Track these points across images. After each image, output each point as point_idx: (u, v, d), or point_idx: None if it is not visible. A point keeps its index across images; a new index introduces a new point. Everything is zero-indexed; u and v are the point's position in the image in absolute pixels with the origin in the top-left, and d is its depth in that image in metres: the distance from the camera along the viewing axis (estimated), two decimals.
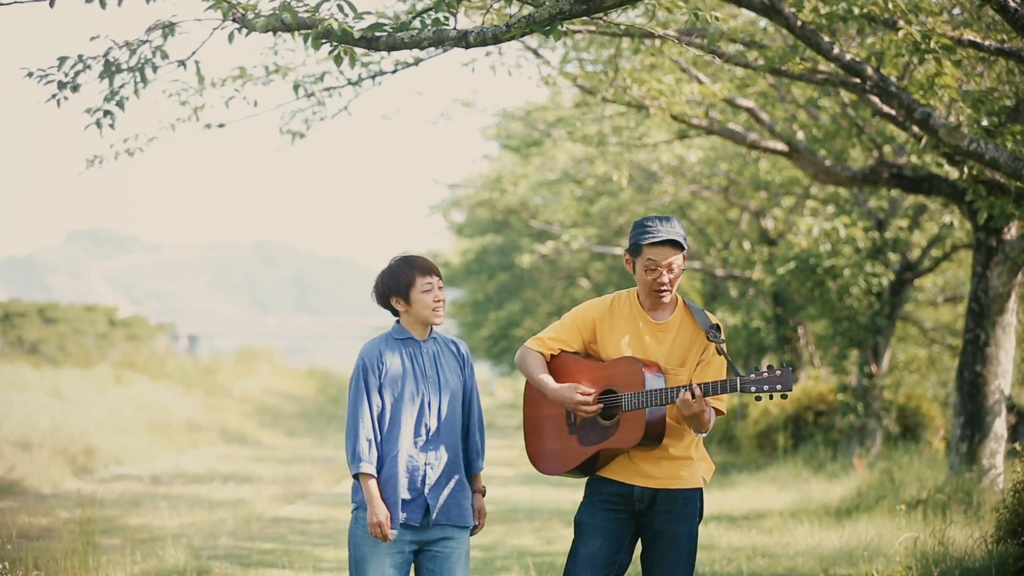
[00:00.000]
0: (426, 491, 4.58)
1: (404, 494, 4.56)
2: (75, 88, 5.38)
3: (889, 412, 15.47)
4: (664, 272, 4.57)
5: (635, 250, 4.60)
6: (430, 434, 4.61)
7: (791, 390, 4.41)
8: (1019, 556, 6.90)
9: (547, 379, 4.70)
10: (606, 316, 4.71)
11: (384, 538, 4.51)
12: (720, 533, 10.30)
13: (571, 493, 13.65)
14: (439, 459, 4.61)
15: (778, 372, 4.40)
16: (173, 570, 7.88)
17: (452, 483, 4.63)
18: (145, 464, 16.00)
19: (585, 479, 4.78)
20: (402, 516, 4.56)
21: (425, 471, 4.59)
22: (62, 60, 5.33)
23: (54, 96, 5.39)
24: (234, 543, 9.65)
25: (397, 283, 4.65)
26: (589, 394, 4.59)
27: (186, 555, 8.39)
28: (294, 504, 12.55)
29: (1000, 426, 10.07)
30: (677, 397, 4.43)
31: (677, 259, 4.57)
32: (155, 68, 5.33)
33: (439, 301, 4.65)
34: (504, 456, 19.07)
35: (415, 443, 4.60)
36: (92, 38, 5.35)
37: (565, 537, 10.01)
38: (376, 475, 4.57)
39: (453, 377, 4.68)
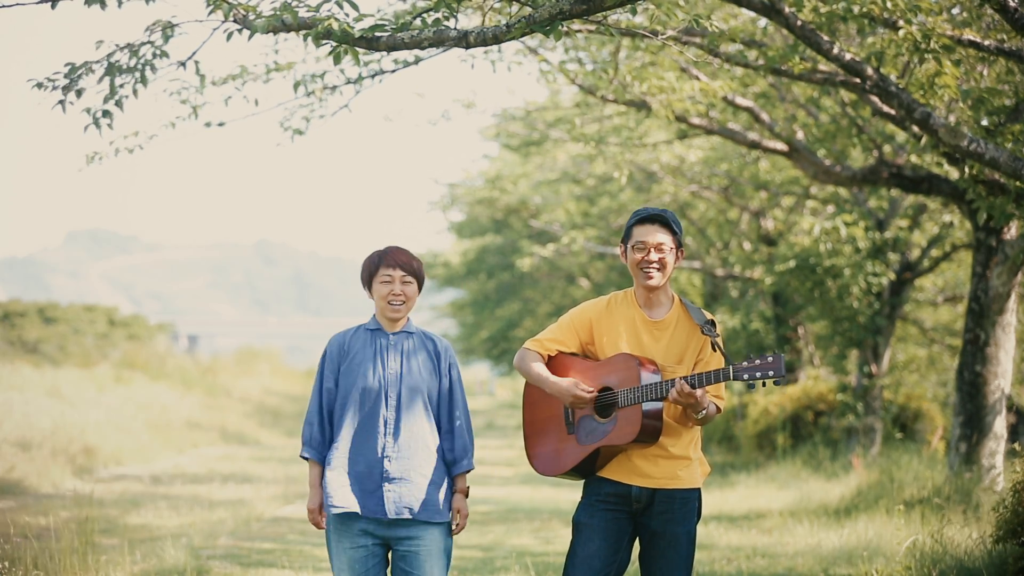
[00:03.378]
0: (384, 484, 4.57)
1: (363, 484, 4.57)
2: (79, 92, 5.39)
3: (889, 412, 15.47)
4: (652, 251, 4.58)
5: (627, 235, 4.64)
6: (387, 426, 4.60)
7: (784, 375, 4.39)
8: (1019, 556, 6.90)
9: (546, 373, 4.70)
10: (603, 316, 4.71)
11: (316, 526, 4.64)
12: (720, 533, 10.31)
13: (571, 493, 13.65)
14: (399, 453, 4.59)
15: (769, 358, 4.39)
16: (173, 570, 7.88)
17: (418, 478, 4.59)
18: (145, 464, 16.00)
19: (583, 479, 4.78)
20: (358, 507, 4.55)
21: (383, 463, 4.58)
22: (72, 68, 5.33)
23: (60, 102, 5.41)
24: (234, 543, 9.65)
25: (364, 271, 4.71)
26: (590, 390, 4.60)
27: (186, 555, 8.39)
28: (294, 504, 12.55)
29: (1000, 426, 10.07)
30: (671, 389, 4.44)
31: (666, 239, 4.59)
32: (155, 69, 5.34)
33: (396, 295, 4.63)
34: (504, 456, 19.06)
35: (374, 435, 4.59)
36: (98, 43, 5.36)
37: (564, 537, 10.02)
38: (320, 462, 4.63)
39: (420, 372, 4.66)
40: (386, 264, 4.64)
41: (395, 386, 4.62)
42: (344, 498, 4.57)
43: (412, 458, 4.60)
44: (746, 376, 4.40)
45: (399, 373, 4.63)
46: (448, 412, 4.71)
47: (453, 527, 4.70)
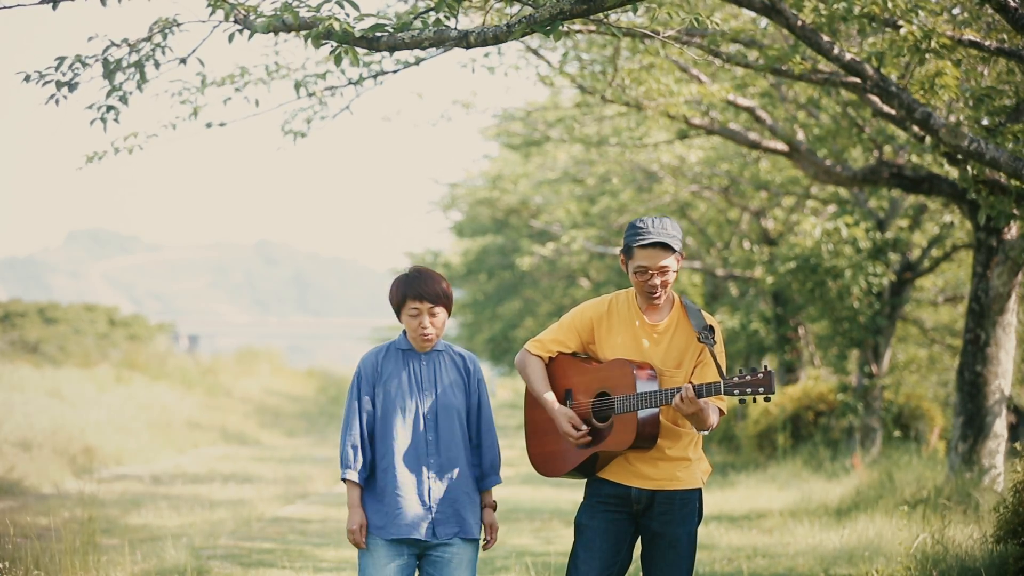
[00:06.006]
0: (432, 504, 4.56)
1: (411, 507, 4.54)
2: (72, 87, 5.38)
3: (889, 412, 15.47)
4: (655, 275, 4.55)
5: (627, 252, 4.59)
6: (429, 447, 4.59)
7: (773, 393, 4.37)
8: (1019, 556, 6.90)
9: (547, 396, 4.71)
10: (604, 317, 4.70)
11: (356, 545, 4.56)
12: (720, 533, 10.31)
13: (571, 493, 13.65)
14: (441, 472, 4.59)
15: (760, 375, 4.37)
16: (173, 570, 7.88)
17: (457, 496, 4.60)
18: (145, 464, 16.00)
19: (585, 479, 4.78)
20: (404, 533, 4.54)
21: (429, 484, 4.57)
22: (60, 60, 5.34)
23: (52, 96, 5.40)
24: (234, 543, 9.65)
25: (392, 300, 4.66)
26: (581, 428, 4.60)
27: (186, 555, 8.39)
28: (294, 504, 12.55)
29: (1000, 426, 10.07)
30: (669, 400, 4.43)
31: (668, 261, 4.54)
32: (157, 64, 5.34)
33: (426, 328, 4.57)
34: (504, 456, 18.92)
35: (418, 456, 4.58)
36: (90, 38, 5.36)
37: (565, 537, 10.02)
38: (359, 483, 4.58)
39: (454, 391, 4.64)
40: (413, 296, 4.57)
41: (432, 407, 4.60)
42: (390, 524, 4.54)
43: (452, 477, 4.60)
44: (737, 392, 4.38)
45: (435, 393, 4.62)
46: (477, 427, 4.70)
47: (483, 542, 4.69)
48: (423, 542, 4.58)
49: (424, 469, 4.57)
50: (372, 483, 4.62)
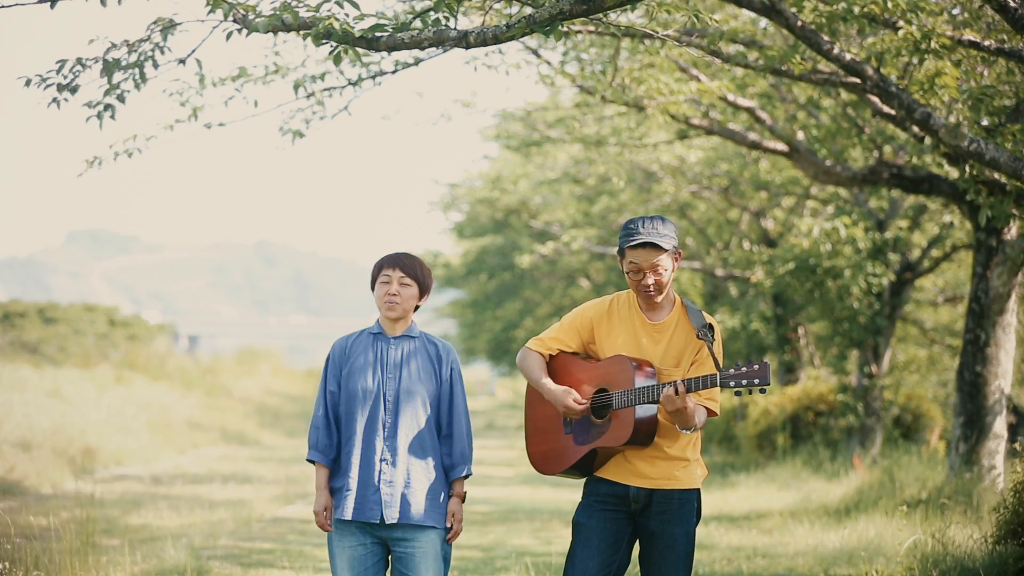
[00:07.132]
0: (381, 486, 4.59)
1: (361, 488, 4.59)
2: (74, 90, 5.39)
3: (889, 412, 15.47)
4: (648, 274, 4.54)
5: (621, 252, 4.60)
6: (387, 429, 4.61)
7: (769, 384, 4.37)
8: (1019, 556, 6.91)
9: (545, 381, 4.71)
10: (604, 317, 4.71)
11: (321, 528, 4.66)
12: (720, 533, 10.31)
13: (571, 493, 13.65)
14: (397, 455, 4.60)
15: (756, 367, 4.36)
16: (173, 570, 7.88)
17: (414, 482, 4.60)
18: (145, 464, 16.00)
19: (583, 479, 4.78)
20: (359, 514, 4.58)
21: (381, 467, 4.60)
22: (61, 64, 5.34)
23: (54, 100, 5.40)
24: (234, 543, 9.65)
25: (372, 275, 4.76)
26: (582, 401, 4.60)
27: (186, 555, 8.39)
28: (294, 504, 12.55)
29: (1000, 426, 10.07)
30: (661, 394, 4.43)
31: (662, 260, 4.53)
32: (156, 64, 5.34)
33: (392, 295, 4.65)
34: (504, 456, 19.05)
35: (372, 437, 4.61)
36: (90, 41, 5.37)
37: (564, 537, 10.02)
38: (326, 464, 4.68)
39: (420, 376, 4.67)
40: (387, 265, 4.68)
41: (392, 389, 4.63)
42: (344, 504, 4.61)
43: (409, 462, 4.61)
44: (732, 384, 4.38)
45: (397, 376, 4.65)
46: (447, 417, 4.71)
47: (448, 532, 4.68)
48: (380, 528, 4.60)
49: (378, 451, 4.60)
50: (338, 465, 4.69)
